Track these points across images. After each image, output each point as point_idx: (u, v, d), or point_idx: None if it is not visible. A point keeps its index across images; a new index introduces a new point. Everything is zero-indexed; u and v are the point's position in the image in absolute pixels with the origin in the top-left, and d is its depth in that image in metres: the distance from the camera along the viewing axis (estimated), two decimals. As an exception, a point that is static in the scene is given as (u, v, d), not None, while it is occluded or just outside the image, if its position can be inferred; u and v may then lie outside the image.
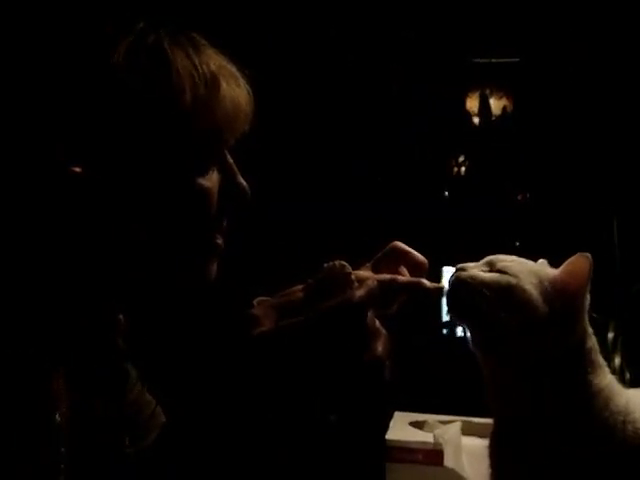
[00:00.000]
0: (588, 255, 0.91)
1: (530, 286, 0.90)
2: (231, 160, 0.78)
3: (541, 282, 0.91)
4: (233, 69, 0.77)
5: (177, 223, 0.73)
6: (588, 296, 0.93)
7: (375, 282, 0.70)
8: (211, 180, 0.75)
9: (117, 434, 0.83)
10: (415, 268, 0.80)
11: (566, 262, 0.93)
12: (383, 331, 0.69)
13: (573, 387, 0.91)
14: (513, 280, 0.90)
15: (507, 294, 0.89)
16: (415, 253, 0.81)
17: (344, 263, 0.71)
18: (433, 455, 1.29)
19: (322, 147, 3.33)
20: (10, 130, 0.69)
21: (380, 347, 0.68)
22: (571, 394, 0.91)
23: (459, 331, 3.13)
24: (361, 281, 0.70)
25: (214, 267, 0.78)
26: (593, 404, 0.91)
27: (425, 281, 0.79)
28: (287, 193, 3.11)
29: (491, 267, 0.93)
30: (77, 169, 0.69)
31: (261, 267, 2.82)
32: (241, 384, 0.66)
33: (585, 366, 0.92)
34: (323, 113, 3.34)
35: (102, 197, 0.70)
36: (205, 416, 0.67)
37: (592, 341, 0.94)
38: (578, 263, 0.91)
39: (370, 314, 0.68)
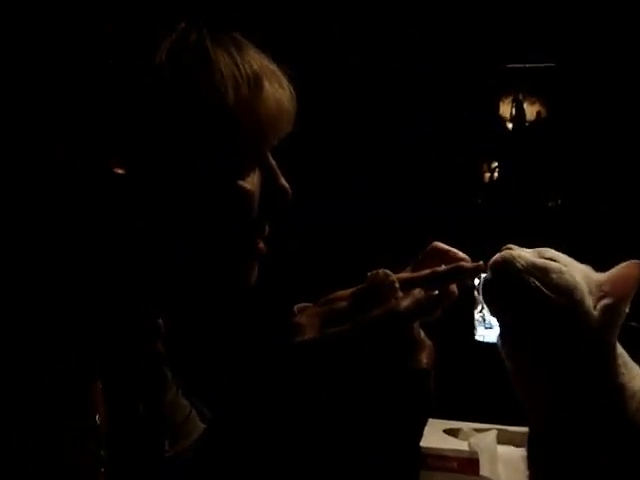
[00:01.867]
0: (637, 262, 0.90)
1: (579, 277, 0.89)
2: (273, 162, 0.77)
3: (588, 279, 0.90)
4: (275, 69, 0.77)
5: (218, 225, 0.73)
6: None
7: (422, 292, 0.68)
8: (252, 182, 0.75)
9: (156, 437, 0.83)
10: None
11: (617, 267, 0.92)
12: (428, 342, 0.68)
13: (606, 389, 0.90)
14: (564, 267, 0.89)
15: (557, 277, 0.88)
16: (456, 251, 0.80)
17: (388, 272, 0.70)
18: (468, 464, 1.28)
19: (360, 149, 3.32)
20: (55, 131, 0.69)
21: (425, 358, 0.67)
22: (604, 396, 0.90)
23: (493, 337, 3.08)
24: (407, 291, 0.69)
25: (255, 271, 0.77)
26: (627, 407, 0.89)
27: (464, 263, 0.78)
28: (324, 194, 3.11)
29: (539, 255, 0.92)
30: (120, 170, 0.68)
31: (302, 271, 2.82)
32: (283, 392, 0.65)
33: (617, 368, 0.91)
34: (358, 114, 3.33)
35: (145, 198, 0.70)
36: (245, 423, 0.67)
37: (621, 347, 0.93)
38: (629, 269, 0.90)
39: (416, 325, 0.68)
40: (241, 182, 0.73)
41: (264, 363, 0.68)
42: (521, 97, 3.56)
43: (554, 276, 0.88)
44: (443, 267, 0.78)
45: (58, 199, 0.69)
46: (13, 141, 0.69)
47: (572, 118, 3.45)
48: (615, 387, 0.90)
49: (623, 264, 0.91)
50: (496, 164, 3.57)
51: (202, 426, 0.91)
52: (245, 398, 0.68)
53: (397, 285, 0.69)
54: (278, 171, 0.77)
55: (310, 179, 3.06)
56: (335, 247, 3.11)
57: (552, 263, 0.89)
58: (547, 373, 0.91)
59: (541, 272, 0.88)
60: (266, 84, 0.74)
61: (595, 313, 0.89)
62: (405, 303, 0.67)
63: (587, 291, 0.90)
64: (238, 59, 0.72)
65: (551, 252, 0.93)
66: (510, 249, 0.91)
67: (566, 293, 0.88)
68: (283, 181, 0.77)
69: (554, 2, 3.30)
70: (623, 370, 0.91)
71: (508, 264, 0.89)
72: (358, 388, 0.66)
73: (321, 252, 3.11)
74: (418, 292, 0.69)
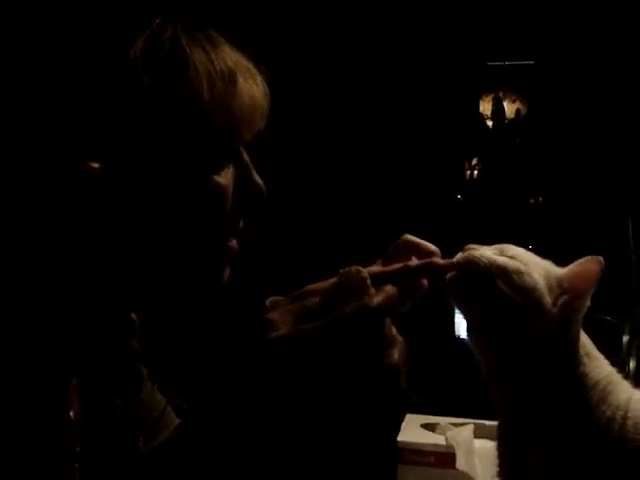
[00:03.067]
0: (600, 258, 0.91)
1: (538, 276, 0.91)
2: (247, 157, 0.78)
3: (547, 276, 0.92)
4: (250, 65, 0.77)
5: (191, 221, 0.73)
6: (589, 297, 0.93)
7: (393, 288, 0.69)
8: (226, 177, 0.75)
9: (130, 433, 0.83)
10: (427, 258, 0.80)
11: (576, 262, 0.93)
12: (399, 338, 0.69)
13: (568, 380, 0.91)
14: (523, 266, 0.90)
15: (516, 277, 0.89)
16: (426, 243, 0.81)
17: (360, 268, 0.70)
18: (445, 458, 1.29)
19: (335, 147, 3.33)
20: (26, 125, 0.69)
21: (397, 354, 0.67)
22: (566, 387, 0.90)
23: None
24: (378, 286, 0.69)
25: (227, 269, 0.77)
26: (590, 397, 0.90)
27: (437, 259, 0.79)
28: (296, 191, 3.11)
29: (501, 253, 0.93)
30: (95, 164, 0.68)
31: (273, 264, 2.82)
32: (255, 387, 0.66)
33: (579, 359, 0.91)
34: (333, 112, 3.34)
35: (118, 193, 0.70)
36: (217, 418, 0.67)
37: (585, 337, 0.94)
38: (588, 265, 0.91)
39: (387, 321, 0.68)
40: (215, 177, 0.74)
41: (238, 358, 0.68)
42: (501, 95, 3.58)
43: (514, 276, 0.89)
44: (415, 262, 0.78)
45: (30, 193, 0.69)
46: None
47: (551, 115, 3.47)
48: (576, 377, 0.90)
49: (582, 260, 0.92)
50: (476, 161, 3.59)
51: (177, 421, 0.91)
52: (219, 393, 0.68)
53: (369, 282, 0.70)
54: (252, 167, 0.78)
55: (287, 173, 3.06)
56: (311, 241, 3.12)
57: (511, 262, 0.90)
58: (512, 367, 0.91)
59: (501, 271, 0.90)
60: (240, 80, 0.74)
61: (554, 310, 0.90)
62: (377, 299, 0.67)
63: (547, 289, 0.90)
64: (213, 55, 0.73)
65: (513, 250, 0.93)
66: (472, 249, 0.92)
67: (525, 293, 0.89)
68: (257, 177, 0.78)
69: (533, 0, 3.32)
70: (585, 360, 0.91)
71: (470, 263, 0.90)
72: (331, 384, 0.66)
73: (295, 245, 3.11)
74: (390, 288, 0.69)
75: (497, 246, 0.94)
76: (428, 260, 0.78)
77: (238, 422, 0.66)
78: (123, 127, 0.69)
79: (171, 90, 0.70)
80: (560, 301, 0.90)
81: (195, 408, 0.71)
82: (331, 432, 0.68)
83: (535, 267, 0.91)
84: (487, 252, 0.92)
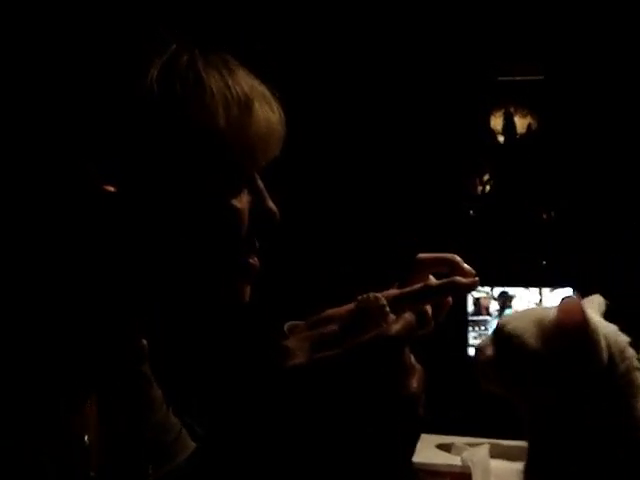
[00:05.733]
0: (574, 297, 0.93)
1: (532, 339, 0.93)
2: (261, 184, 0.77)
3: (542, 330, 0.93)
4: (265, 91, 0.76)
5: (208, 243, 0.72)
6: (599, 328, 0.92)
7: (412, 316, 0.68)
8: (242, 201, 0.74)
9: (140, 461, 0.82)
10: (448, 269, 0.80)
11: (557, 305, 0.93)
12: (418, 366, 0.68)
13: (614, 413, 0.89)
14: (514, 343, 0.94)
15: (510, 363, 0.95)
16: (442, 255, 0.80)
17: (378, 295, 0.69)
18: (461, 478, 1.28)
19: (344, 162, 3.33)
20: (43, 146, 0.69)
21: (415, 383, 0.66)
22: (613, 420, 0.89)
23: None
24: (398, 309, 0.68)
25: (248, 288, 0.77)
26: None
27: (459, 278, 0.78)
28: (308, 207, 3.11)
29: (498, 334, 0.97)
30: (110, 188, 0.69)
31: (291, 287, 2.82)
32: (271, 415, 0.65)
33: (623, 390, 0.90)
34: (350, 128, 3.34)
35: (135, 217, 0.70)
36: (234, 444, 0.66)
37: (627, 364, 0.92)
38: (568, 304, 0.92)
39: (406, 349, 0.67)
40: (231, 200, 0.73)
41: (254, 385, 0.67)
42: (512, 110, 3.58)
43: (509, 364, 0.96)
44: (434, 281, 0.77)
45: (47, 216, 0.69)
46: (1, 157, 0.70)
47: (563, 130, 3.46)
48: (624, 408, 0.90)
49: (560, 302, 0.93)
50: (488, 177, 3.58)
51: (193, 445, 0.91)
52: (234, 419, 0.67)
53: (387, 309, 0.69)
54: (265, 193, 0.77)
55: (304, 191, 3.07)
56: (324, 261, 3.12)
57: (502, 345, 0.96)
58: (548, 411, 0.93)
59: (497, 368, 0.96)
60: (256, 105, 0.74)
61: (561, 355, 0.92)
62: (396, 327, 0.66)
63: (542, 341, 0.93)
64: (229, 80, 0.73)
65: (508, 325, 0.97)
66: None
67: (524, 367, 0.94)
68: (270, 203, 0.77)
69: (543, 15, 3.32)
70: (631, 388, 0.91)
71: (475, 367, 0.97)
72: (347, 413, 0.65)
73: (310, 267, 3.11)
74: (409, 315, 0.68)
75: (495, 327, 0.99)
76: (450, 280, 0.77)
77: (253, 449, 0.65)
78: (139, 151, 0.69)
79: (187, 115, 0.70)
80: (559, 342, 0.92)
81: (210, 434, 0.70)
82: (347, 460, 0.67)
83: (529, 331, 0.95)
84: (485, 350, 0.97)
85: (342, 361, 0.64)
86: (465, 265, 0.80)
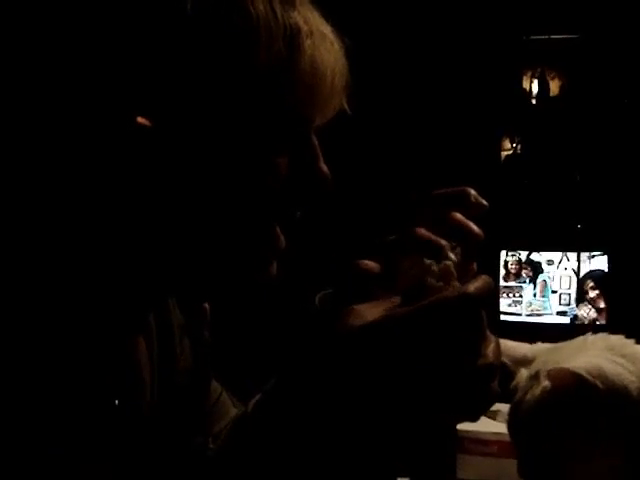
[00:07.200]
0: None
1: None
2: (315, 141, 0.66)
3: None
4: (327, 30, 0.65)
5: (238, 199, 0.63)
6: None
7: (490, 278, 0.60)
8: (284, 159, 0.64)
9: (194, 432, 0.77)
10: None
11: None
12: (494, 337, 0.60)
13: None
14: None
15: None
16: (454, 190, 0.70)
17: (448, 262, 0.62)
18: (510, 447, 1.21)
19: (373, 123, 3.25)
20: (75, 74, 0.61)
21: (492, 354, 0.59)
22: None
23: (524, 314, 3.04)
24: (474, 275, 0.61)
25: (273, 265, 0.67)
26: None
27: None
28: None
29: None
30: (145, 121, 0.60)
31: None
32: (336, 380, 0.58)
33: None
34: (380, 86, 3.26)
35: (166, 155, 0.61)
36: (300, 405, 0.60)
37: None
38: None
39: (484, 315, 0.59)
40: (270, 155, 0.63)
41: (319, 351, 0.60)
42: (544, 70, 3.48)
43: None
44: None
45: (75, 148, 0.61)
46: (33, 92, 0.62)
47: (595, 91, 3.37)
48: None
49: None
50: (519, 139, 3.50)
51: (234, 411, 0.85)
52: (295, 383, 0.60)
53: (454, 270, 0.62)
54: (319, 152, 0.66)
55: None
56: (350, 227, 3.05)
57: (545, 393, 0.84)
58: None
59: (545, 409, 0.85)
60: (308, 43, 0.62)
61: None
62: (476, 285, 0.59)
63: None
64: (277, 7, 0.63)
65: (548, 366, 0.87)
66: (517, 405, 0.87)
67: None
68: (323, 165, 0.66)
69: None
70: None
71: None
72: (419, 377, 0.58)
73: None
74: (487, 277, 0.60)
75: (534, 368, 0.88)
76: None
77: (320, 412, 0.59)
78: (173, 84, 0.60)
79: (223, 44, 0.60)
80: None
81: (266, 402, 0.64)
82: (412, 426, 0.60)
83: None
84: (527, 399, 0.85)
85: (419, 318, 0.57)
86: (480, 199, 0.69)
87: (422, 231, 0.66)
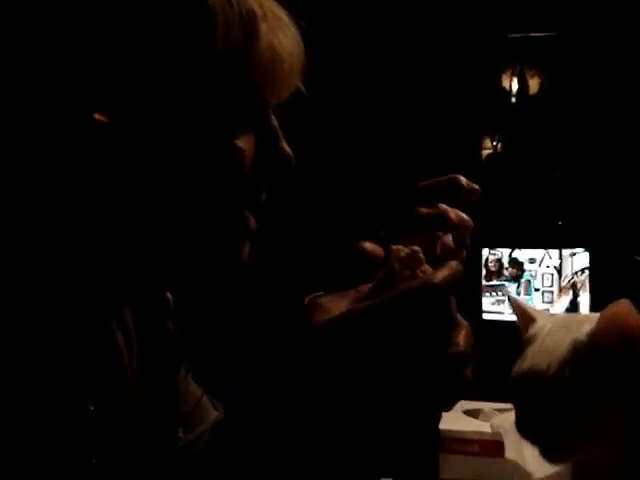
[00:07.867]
0: (625, 302, 0.80)
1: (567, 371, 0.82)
2: (275, 122, 0.66)
3: (577, 355, 0.82)
4: (282, 14, 0.65)
5: (203, 186, 0.62)
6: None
7: (459, 264, 0.60)
8: (247, 142, 0.64)
9: (169, 427, 0.75)
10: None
11: (601, 313, 0.82)
12: (465, 323, 0.60)
13: None
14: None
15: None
16: (442, 178, 0.72)
17: (414, 247, 0.62)
18: (492, 446, 1.21)
19: (356, 122, 3.25)
20: (29, 69, 0.59)
21: (462, 341, 0.58)
22: None
23: (507, 313, 3.04)
24: (443, 262, 0.60)
25: (245, 246, 0.67)
26: None
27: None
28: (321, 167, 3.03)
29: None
30: (101, 117, 0.59)
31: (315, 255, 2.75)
32: (307, 375, 0.58)
33: None
34: (355, 88, 3.26)
35: (125, 150, 0.59)
36: (270, 408, 0.59)
37: None
38: (614, 311, 0.80)
39: (452, 301, 0.59)
40: (232, 139, 0.62)
41: (279, 346, 0.59)
42: (523, 68, 3.49)
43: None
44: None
45: (33, 145, 0.60)
46: None
47: (574, 89, 3.38)
48: None
49: (606, 309, 0.81)
50: (498, 137, 3.51)
51: (215, 414, 0.84)
52: (268, 382, 0.60)
53: (422, 256, 0.61)
54: (280, 134, 0.66)
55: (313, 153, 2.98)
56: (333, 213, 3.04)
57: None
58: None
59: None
60: (263, 27, 0.62)
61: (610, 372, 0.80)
62: (442, 274, 0.58)
63: (578, 368, 0.82)
64: None
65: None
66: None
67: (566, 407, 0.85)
68: (285, 145, 0.66)
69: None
70: None
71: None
72: (387, 369, 0.57)
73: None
74: (455, 263, 0.60)
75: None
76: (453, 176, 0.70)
77: (289, 409, 0.58)
78: (130, 76, 0.58)
79: (180, 34, 0.59)
80: (601, 363, 0.80)
81: (237, 399, 0.63)
82: (385, 419, 0.60)
83: (558, 364, 0.83)
84: None
85: (382, 311, 0.56)
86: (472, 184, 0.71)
87: (422, 209, 0.69)
